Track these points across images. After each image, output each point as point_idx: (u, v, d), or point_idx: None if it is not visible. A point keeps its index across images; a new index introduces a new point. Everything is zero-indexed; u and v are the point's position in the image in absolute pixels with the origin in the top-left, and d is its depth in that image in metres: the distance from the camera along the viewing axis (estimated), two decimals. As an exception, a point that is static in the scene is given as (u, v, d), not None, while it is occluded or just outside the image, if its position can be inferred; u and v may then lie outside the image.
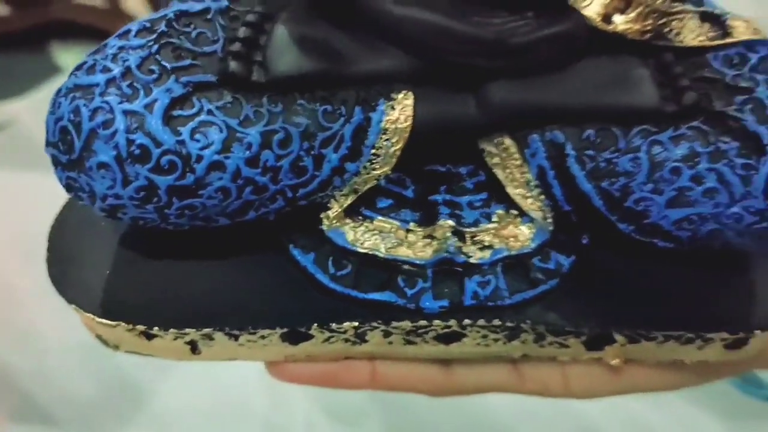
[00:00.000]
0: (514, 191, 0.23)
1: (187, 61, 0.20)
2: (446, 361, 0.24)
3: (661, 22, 0.22)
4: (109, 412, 0.42)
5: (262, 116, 0.20)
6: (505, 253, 0.22)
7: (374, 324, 0.22)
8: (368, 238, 0.23)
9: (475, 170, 0.24)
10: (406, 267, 0.22)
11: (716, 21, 0.22)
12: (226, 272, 0.23)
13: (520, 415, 0.41)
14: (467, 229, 0.23)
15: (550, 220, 0.23)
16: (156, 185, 0.20)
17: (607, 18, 0.21)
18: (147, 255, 0.23)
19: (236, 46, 0.21)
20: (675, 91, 0.21)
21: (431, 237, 0.23)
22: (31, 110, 0.58)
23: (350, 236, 0.23)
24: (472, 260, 0.22)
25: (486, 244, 0.23)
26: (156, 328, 0.22)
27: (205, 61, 0.20)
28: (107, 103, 0.19)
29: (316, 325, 0.22)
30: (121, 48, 0.20)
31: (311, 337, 0.22)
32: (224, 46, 0.21)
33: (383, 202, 0.23)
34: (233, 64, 0.20)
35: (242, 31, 0.21)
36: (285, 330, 0.22)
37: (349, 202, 0.22)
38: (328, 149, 0.21)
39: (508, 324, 0.22)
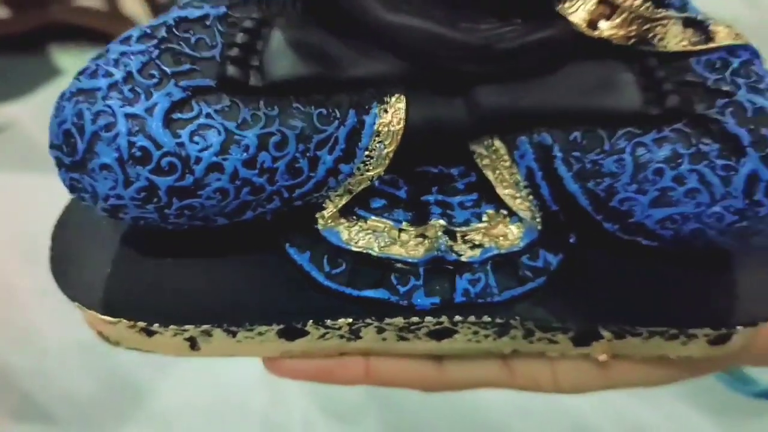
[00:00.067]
0: (503, 192, 0.23)
1: (187, 66, 0.21)
2: (438, 357, 0.25)
3: (645, 27, 0.22)
4: (109, 411, 0.42)
5: (259, 119, 0.20)
6: (495, 252, 0.23)
7: (368, 320, 0.23)
8: (362, 237, 0.23)
9: (466, 171, 0.24)
10: (398, 265, 0.23)
11: (699, 26, 0.23)
12: (225, 270, 0.23)
13: (513, 412, 0.41)
14: (458, 229, 0.23)
15: (538, 220, 0.23)
16: (156, 186, 0.20)
17: (592, 24, 0.22)
18: (147, 254, 0.24)
19: (234, 52, 0.21)
20: (658, 94, 0.22)
21: (423, 236, 0.23)
22: (31, 112, 0.58)
23: (345, 235, 0.23)
24: (462, 258, 0.23)
25: (476, 242, 0.23)
26: (156, 324, 0.22)
27: (204, 65, 0.21)
28: (109, 106, 0.20)
29: (311, 321, 0.23)
30: (122, 53, 0.21)
31: (307, 333, 0.23)
32: (222, 52, 0.21)
33: (377, 203, 0.24)
34: (231, 69, 0.21)
35: (240, 37, 0.21)
36: (281, 326, 0.23)
37: (343, 202, 0.23)
38: (323, 151, 0.21)
39: (498, 320, 0.23)
